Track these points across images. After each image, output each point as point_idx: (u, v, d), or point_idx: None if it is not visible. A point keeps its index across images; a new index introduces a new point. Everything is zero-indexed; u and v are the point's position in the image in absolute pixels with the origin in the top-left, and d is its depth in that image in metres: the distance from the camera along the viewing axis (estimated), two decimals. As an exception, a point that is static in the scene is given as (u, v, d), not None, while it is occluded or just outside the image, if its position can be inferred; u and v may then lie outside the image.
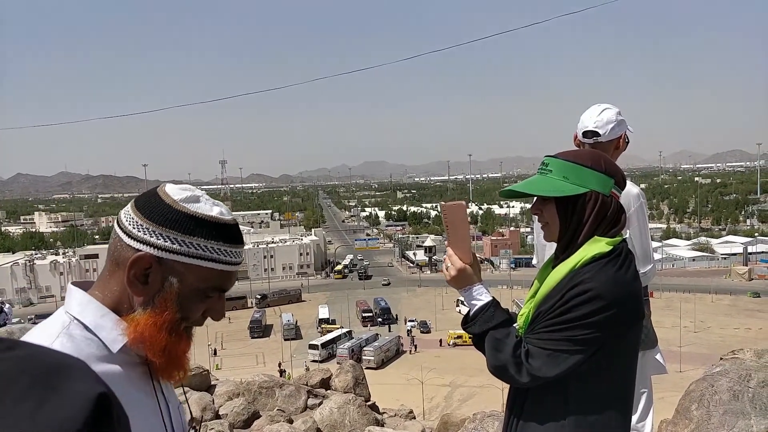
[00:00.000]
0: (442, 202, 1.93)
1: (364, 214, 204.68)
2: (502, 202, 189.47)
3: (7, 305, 15.46)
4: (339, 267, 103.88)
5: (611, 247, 1.67)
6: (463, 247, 1.88)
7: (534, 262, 3.27)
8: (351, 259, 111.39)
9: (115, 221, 1.10)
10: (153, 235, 1.04)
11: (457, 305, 71.61)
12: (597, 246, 1.67)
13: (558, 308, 1.62)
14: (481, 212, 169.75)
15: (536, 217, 1.84)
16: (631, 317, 1.65)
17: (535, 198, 1.79)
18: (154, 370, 1.07)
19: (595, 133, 2.92)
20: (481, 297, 1.84)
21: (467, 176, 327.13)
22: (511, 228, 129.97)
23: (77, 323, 1.03)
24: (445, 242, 1.90)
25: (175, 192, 1.07)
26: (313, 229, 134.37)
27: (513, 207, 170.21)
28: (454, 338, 57.17)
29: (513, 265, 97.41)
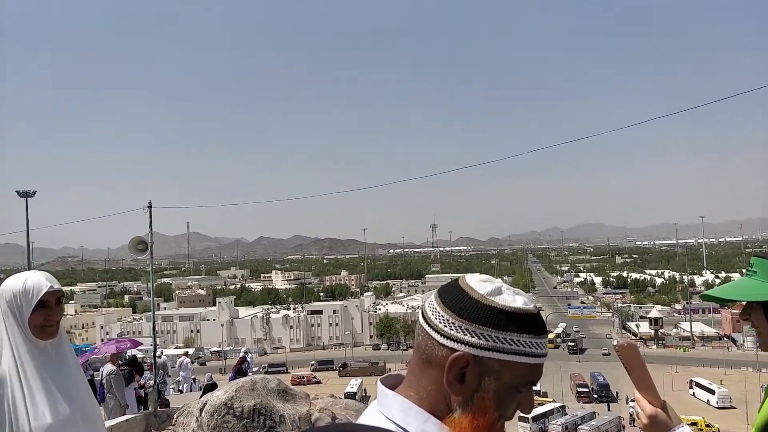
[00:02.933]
0: (615, 344, 1.79)
1: (577, 279, 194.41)
2: (745, 269, 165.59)
3: (250, 354, 17.53)
4: (551, 335, 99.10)
5: None
6: (650, 389, 1.64)
7: None
8: (563, 328, 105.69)
9: (420, 316, 1.08)
10: (467, 333, 1.01)
11: (691, 387, 63.26)
12: None
13: None
14: (718, 281, 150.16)
15: None
16: None
17: (744, 302, 1.60)
18: None
19: None
20: None
21: (699, 240, 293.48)
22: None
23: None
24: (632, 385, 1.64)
25: (478, 285, 1.06)
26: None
27: (756, 273, 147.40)
28: (687, 424, 50.14)
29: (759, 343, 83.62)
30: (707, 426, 49.93)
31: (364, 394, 56.91)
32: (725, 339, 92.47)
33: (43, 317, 2.29)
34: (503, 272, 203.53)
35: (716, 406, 57.19)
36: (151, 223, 11.19)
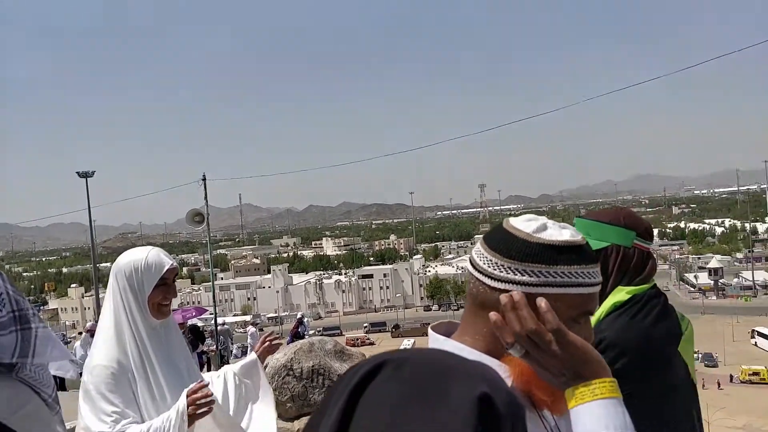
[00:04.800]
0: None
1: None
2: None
3: (306, 318, 18.16)
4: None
5: (630, 296, 1.73)
6: None
7: None
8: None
9: (469, 264, 1.08)
10: (517, 272, 1.00)
11: (752, 336, 61.61)
12: (617, 296, 1.72)
13: None
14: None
15: None
16: (650, 363, 1.61)
17: None
18: (538, 403, 1.04)
19: None
20: None
21: (762, 186, 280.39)
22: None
23: None
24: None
25: (523, 224, 1.05)
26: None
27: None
28: (749, 374, 49.20)
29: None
30: (771, 375, 48.86)
31: (418, 354, 57.95)
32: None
33: (162, 295, 2.19)
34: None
35: (781, 355, 55.68)
36: (206, 195, 11.64)
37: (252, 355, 2.61)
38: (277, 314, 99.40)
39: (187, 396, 2.02)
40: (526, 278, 1.00)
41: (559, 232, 1.04)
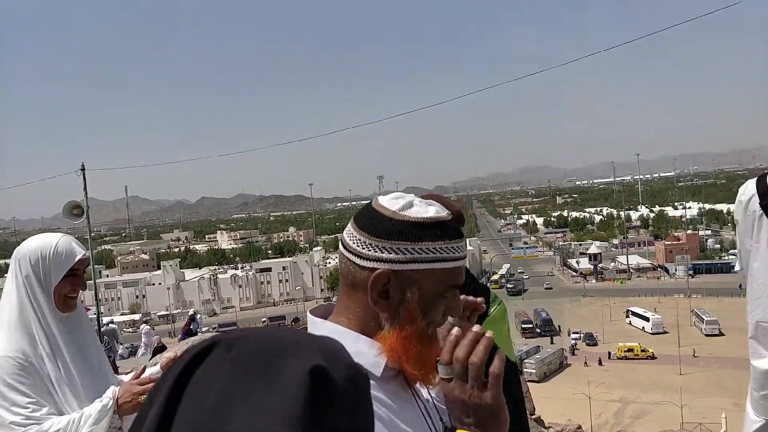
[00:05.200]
0: None
1: (520, 221, 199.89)
2: (677, 203, 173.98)
3: (199, 315, 17.40)
4: (495, 277, 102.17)
5: None
6: None
7: (737, 268, 2.99)
8: (508, 269, 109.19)
9: (340, 245, 1.10)
10: (384, 250, 1.03)
11: (627, 316, 66.98)
12: None
13: None
14: (652, 215, 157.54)
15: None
16: None
17: None
18: (410, 378, 1.07)
19: None
20: None
21: (635, 177, 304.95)
22: (689, 231, 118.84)
23: None
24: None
25: (390, 203, 1.07)
26: (467, 240, 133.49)
27: (690, 208, 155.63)
28: (624, 351, 53.45)
29: (691, 272, 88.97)
30: (642, 351, 53.31)
31: (318, 346, 57.62)
32: (659, 269, 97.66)
33: (70, 287, 2.04)
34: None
35: (651, 332, 60.89)
36: (85, 185, 10.78)
37: (156, 368, 2.34)
38: (168, 312, 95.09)
39: (141, 384, 1.96)
40: (392, 256, 1.02)
41: (425, 209, 1.05)
